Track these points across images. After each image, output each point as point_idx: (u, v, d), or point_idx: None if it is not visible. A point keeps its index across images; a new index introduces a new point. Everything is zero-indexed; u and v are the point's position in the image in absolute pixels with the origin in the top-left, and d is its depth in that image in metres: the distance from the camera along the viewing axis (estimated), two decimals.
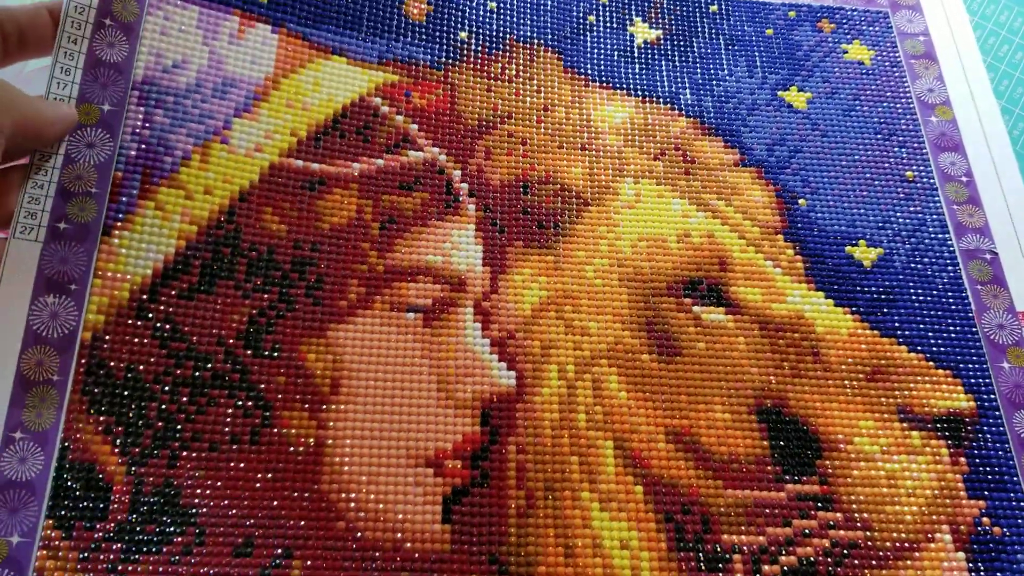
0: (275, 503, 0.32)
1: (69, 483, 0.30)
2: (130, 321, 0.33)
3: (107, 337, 0.33)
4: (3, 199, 0.33)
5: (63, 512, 0.30)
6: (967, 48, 0.46)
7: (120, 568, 0.30)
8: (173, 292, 0.34)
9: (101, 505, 0.30)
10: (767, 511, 0.34)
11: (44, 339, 0.32)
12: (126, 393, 0.32)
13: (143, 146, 0.36)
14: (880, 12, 0.47)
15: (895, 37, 0.46)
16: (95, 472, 0.31)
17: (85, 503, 0.30)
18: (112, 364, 0.32)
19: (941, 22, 0.47)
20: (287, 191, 0.37)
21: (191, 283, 0.34)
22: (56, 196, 0.33)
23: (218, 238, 0.35)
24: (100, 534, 0.30)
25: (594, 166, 0.41)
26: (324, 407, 0.34)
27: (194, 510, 0.31)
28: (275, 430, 0.33)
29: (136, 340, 0.33)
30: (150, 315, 0.33)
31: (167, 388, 0.33)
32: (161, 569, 0.30)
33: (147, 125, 0.36)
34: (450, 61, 0.42)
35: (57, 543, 0.30)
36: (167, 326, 0.33)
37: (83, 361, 0.32)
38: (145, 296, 0.34)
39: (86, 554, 0.30)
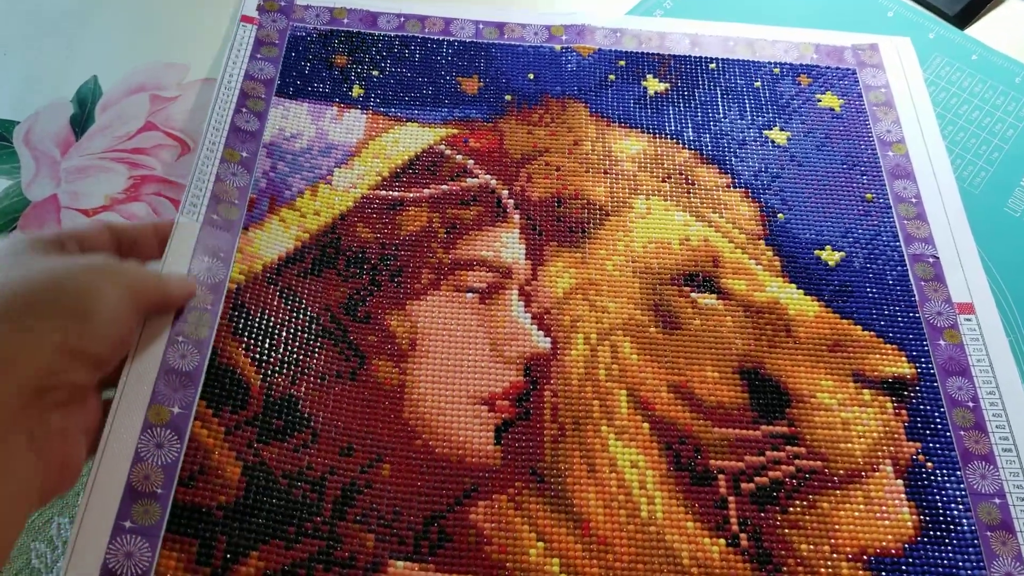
0: (369, 422, 0.42)
1: (218, 378, 0.41)
2: (262, 284, 0.45)
3: (246, 290, 0.44)
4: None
5: (213, 397, 0.41)
6: (920, 99, 0.57)
7: (255, 446, 0.40)
8: (293, 272, 0.45)
9: (242, 398, 0.41)
10: (746, 444, 0.43)
11: (200, 282, 0.43)
12: (260, 326, 0.43)
13: (270, 183, 0.48)
14: (849, 69, 0.58)
15: (861, 89, 0.57)
16: (237, 375, 0.42)
17: (230, 394, 0.41)
18: (250, 308, 0.44)
19: (900, 78, 0.58)
20: (374, 211, 0.49)
21: (305, 268, 0.46)
22: (210, 199, 0.45)
23: (324, 242, 0.47)
24: (241, 419, 0.41)
25: (614, 186, 0.51)
26: (405, 360, 0.44)
27: (310, 416, 0.41)
28: (368, 372, 0.43)
29: (267, 296, 0.44)
30: (277, 283, 0.45)
31: (289, 331, 0.44)
32: (286, 454, 0.40)
33: (273, 170, 0.49)
34: (498, 115, 0.54)
35: (208, 419, 0.40)
36: (288, 291, 0.45)
37: (229, 301, 0.44)
38: (273, 272, 0.45)
39: (230, 430, 0.40)
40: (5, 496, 0.30)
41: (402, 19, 0.57)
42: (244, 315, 0.43)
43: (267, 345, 0.43)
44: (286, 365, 0.43)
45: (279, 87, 0.53)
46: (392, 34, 0.57)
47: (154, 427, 0.39)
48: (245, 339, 0.43)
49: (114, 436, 0.38)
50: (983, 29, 0.65)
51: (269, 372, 0.42)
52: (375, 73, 0.55)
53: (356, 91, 0.54)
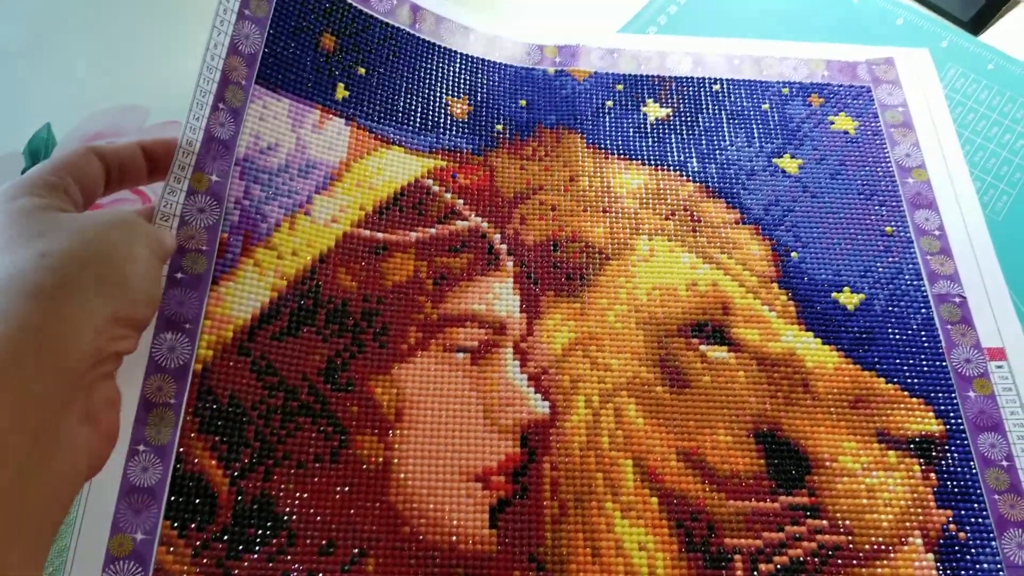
0: (351, 511, 0.38)
1: (183, 490, 0.37)
2: (233, 357, 0.40)
3: (214, 369, 0.40)
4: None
5: (178, 514, 0.37)
6: (941, 118, 0.53)
7: (226, 563, 0.36)
8: (267, 335, 0.41)
9: (209, 510, 0.37)
10: (763, 518, 0.40)
11: (163, 368, 0.38)
12: (229, 418, 0.39)
13: (243, 214, 0.43)
14: (863, 87, 0.54)
15: (876, 109, 0.53)
16: (204, 482, 0.38)
17: (196, 508, 0.37)
18: (218, 392, 0.39)
19: (918, 95, 0.54)
20: (357, 255, 0.45)
21: (281, 327, 0.42)
22: (176, 252, 0.40)
23: (302, 292, 0.43)
24: (208, 535, 0.37)
25: (614, 226, 0.48)
26: (390, 432, 0.40)
27: (285, 516, 0.38)
28: (350, 451, 0.40)
29: (238, 373, 0.40)
30: (249, 352, 0.40)
31: (262, 414, 0.40)
32: (259, 566, 0.37)
33: (247, 197, 0.43)
34: (489, 148, 0.50)
35: (173, 540, 0.36)
36: (263, 362, 0.40)
37: (194, 388, 0.39)
38: (245, 336, 0.41)
39: (197, 551, 0.36)
40: (61, 473, 0.30)
41: (394, 2, 0.52)
42: (212, 405, 0.39)
43: (237, 439, 0.39)
44: (258, 458, 0.39)
45: (260, 69, 0.46)
46: (382, 19, 0.51)
47: (116, 561, 0.35)
48: (213, 437, 0.39)
49: None
50: (999, 35, 0.61)
51: (238, 473, 0.38)
52: (361, 71, 0.50)
53: (340, 92, 0.49)
